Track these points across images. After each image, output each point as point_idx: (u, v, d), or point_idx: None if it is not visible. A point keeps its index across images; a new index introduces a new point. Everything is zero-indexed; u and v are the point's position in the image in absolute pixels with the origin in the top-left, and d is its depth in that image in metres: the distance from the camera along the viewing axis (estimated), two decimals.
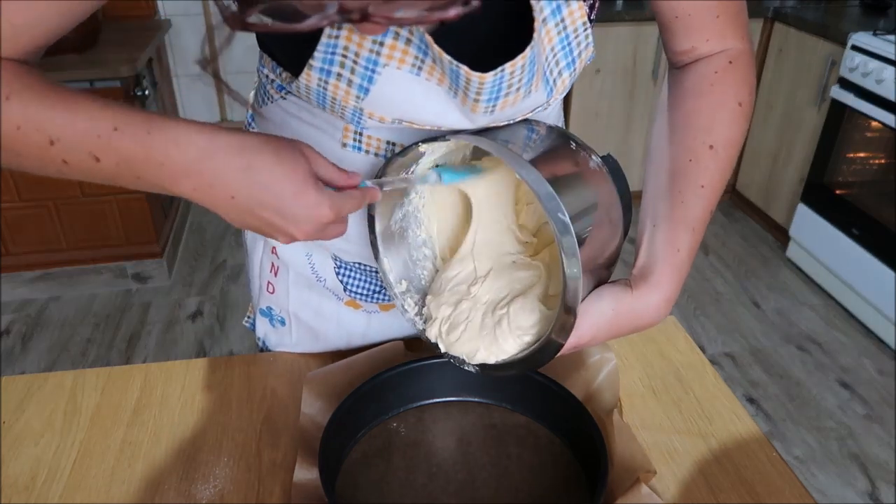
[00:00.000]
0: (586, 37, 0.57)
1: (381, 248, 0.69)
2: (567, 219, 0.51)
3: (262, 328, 0.89)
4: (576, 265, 0.52)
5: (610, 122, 2.94)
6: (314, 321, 0.85)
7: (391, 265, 0.70)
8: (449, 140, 0.58)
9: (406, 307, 0.71)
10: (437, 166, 0.65)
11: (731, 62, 0.65)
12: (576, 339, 0.57)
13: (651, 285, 0.58)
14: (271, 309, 0.86)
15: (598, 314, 0.57)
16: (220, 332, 2.36)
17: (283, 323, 0.86)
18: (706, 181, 0.61)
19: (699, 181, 0.61)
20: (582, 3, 0.54)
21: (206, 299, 2.52)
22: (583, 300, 0.56)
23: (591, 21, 0.61)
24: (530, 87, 0.56)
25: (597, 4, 0.61)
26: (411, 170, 0.65)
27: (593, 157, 0.60)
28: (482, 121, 0.60)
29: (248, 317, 0.94)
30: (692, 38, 0.65)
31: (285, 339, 0.87)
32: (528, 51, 0.53)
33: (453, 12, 0.34)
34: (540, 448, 0.71)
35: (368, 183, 0.61)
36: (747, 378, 2.19)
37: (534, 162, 0.54)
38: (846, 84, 2.35)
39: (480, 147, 0.57)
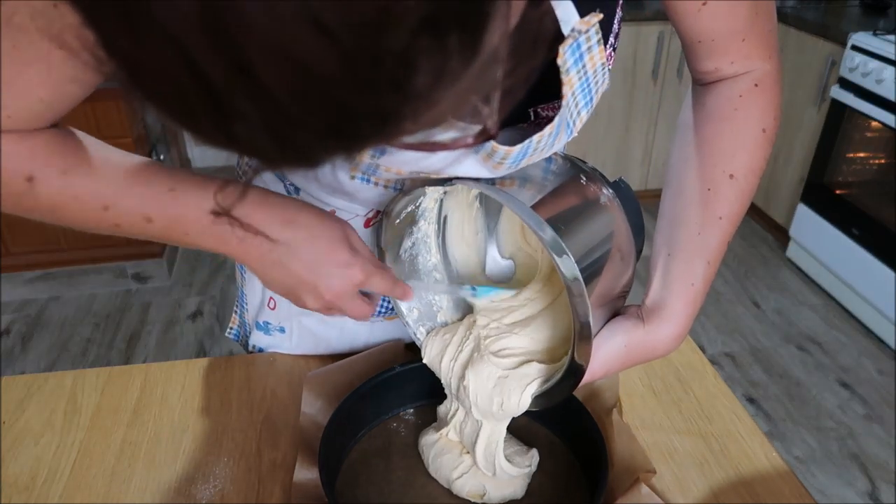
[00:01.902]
0: (604, 74, 0.55)
1: None
2: (579, 274, 0.51)
3: (260, 340, 0.88)
4: (587, 319, 0.52)
5: (610, 122, 2.94)
6: (317, 327, 0.85)
7: None
8: (455, 185, 0.57)
9: (418, 335, 0.70)
10: (472, 288, 0.66)
11: (756, 85, 0.61)
12: (589, 377, 0.56)
13: (663, 320, 0.58)
14: (268, 323, 0.86)
15: (610, 351, 0.57)
16: (220, 332, 2.36)
17: (282, 331, 0.86)
18: (724, 212, 0.59)
19: (717, 212, 0.59)
20: (602, 46, 0.52)
21: (206, 299, 2.52)
22: (595, 335, 0.56)
23: (614, 49, 0.59)
24: (554, 143, 0.55)
25: (619, 31, 0.59)
26: (418, 203, 0.64)
27: (604, 190, 0.58)
28: (503, 174, 0.58)
29: (231, 328, 0.93)
30: (716, 60, 0.61)
31: (285, 344, 0.87)
32: (556, 119, 0.52)
33: (471, 141, 0.35)
34: (540, 448, 0.71)
35: (406, 282, 0.64)
36: (747, 378, 2.19)
37: (542, 208, 0.53)
38: (846, 84, 2.35)
39: (487, 194, 0.55)
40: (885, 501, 1.79)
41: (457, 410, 0.68)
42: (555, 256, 0.51)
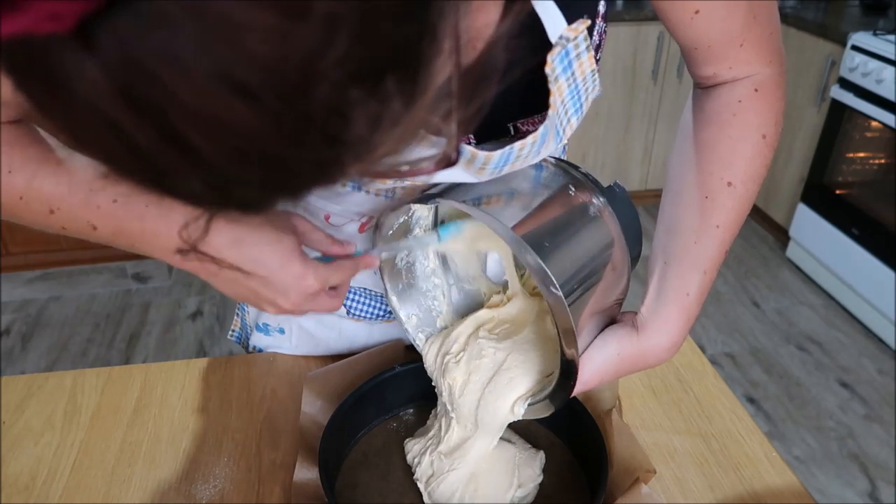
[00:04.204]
0: (594, 81, 0.54)
1: (388, 286, 0.69)
2: (561, 294, 0.50)
3: (260, 340, 0.88)
4: (573, 346, 0.51)
5: (610, 122, 2.94)
6: (315, 329, 0.85)
7: (401, 302, 0.70)
8: (438, 202, 0.56)
9: (418, 341, 0.70)
10: (440, 223, 0.64)
11: (756, 89, 0.60)
12: (581, 386, 0.56)
13: (657, 330, 0.57)
14: (268, 325, 0.86)
15: (603, 360, 0.56)
16: (220, 332, 2.36)
17: (281, 332, 0.86)
18: (721, 220, 0.58)
19: (714, 221, 0.58)
20: (591, 53, 0.51)
21: (205, 299, 2.52)
22: (588, 345, 0.56)
23: (597, 61, 0.58)
24: (540, 150, 0.54)
25: (603, 43, 0.59)
26: (410, 213, 0.64)
27: (595, 200, 0.57)
28: (487, 178, 0.57)
29: (233, 331, 0.93)
30: (713, 66, 0.59)
31: (284, 344, 0.87)
32: (540, 128, 0.51)
33: (431, 169, 0.34)
34: (540, 448, 0.71)
35: (367, 251, 0.62)
36: (747, 378, 2.19)
37: (528, 225, 0.51)
38: (846, 84, 2.35)
39: (470, 214, 0.54)
40: (885, 501, 1.79)
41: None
42: (538, 280, 0.50)
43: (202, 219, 0.31)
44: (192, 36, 0.20)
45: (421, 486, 0.66)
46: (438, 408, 0.70)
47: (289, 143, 0.23)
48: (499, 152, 0.50)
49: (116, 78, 0.20)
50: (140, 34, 0.20)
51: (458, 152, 0.32)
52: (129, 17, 0.19)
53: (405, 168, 0.32)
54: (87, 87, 0.21)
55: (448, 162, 0.32)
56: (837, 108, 2.42)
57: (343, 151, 0.24)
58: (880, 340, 2.33)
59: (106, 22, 0.19)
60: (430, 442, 0.68)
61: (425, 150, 0.31)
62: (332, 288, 0.61)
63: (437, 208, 0.67)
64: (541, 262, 0.49)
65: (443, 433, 0.67)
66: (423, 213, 0.65)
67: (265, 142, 0.23)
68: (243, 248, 0.55)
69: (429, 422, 0.72)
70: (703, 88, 0.64)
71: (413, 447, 0.69)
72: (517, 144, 0.50)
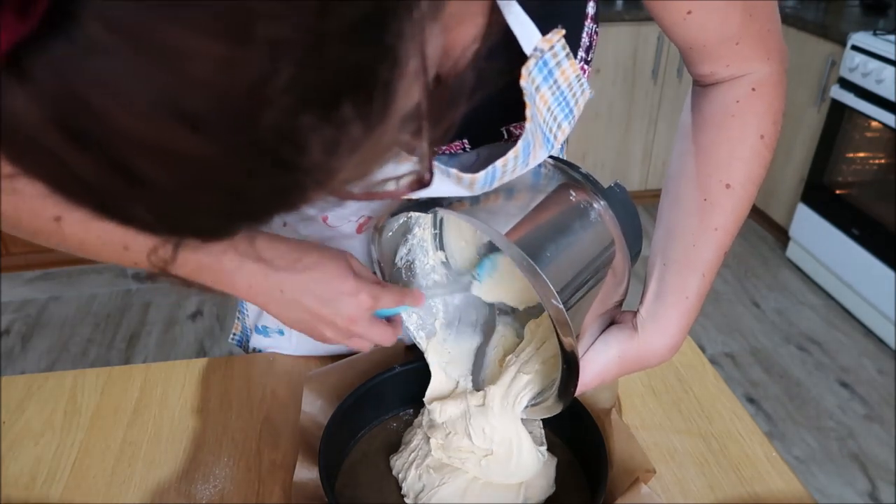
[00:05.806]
0: (581, 86, 0.54)
1: None
2: (560, 305, 0.50)
3: (260, 342, 0.88)
4: (569, 334, 0.52)
5: (610, 122, 2.94)
6: None
7: None
8: (436, 210, 0.57)
9: (418, 339, 0.70)
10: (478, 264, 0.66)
11: (754, 89, 0.59)
12: (583, 387, 0.57)
13: (656, 332, 0.58)
14: (267, 327, 0.86)
15: (604, 362, 0.57)
16: (220, 332, 2.36)
17: (281, 333, 0.86)
18: (720, 223, 0.58)
19: (712, 223, 0.58)
20: (572, 59, 0.51)
21: (206, 299, 2.52)
22: (589, 347, 0.57)
23: (588, 63, 0.58)
24: (528, 161, 0.54)
25: (594, 44, 0.59)
26: (409, 216, 0.64)
27: (595, 204, 0.56)
28: (480, 192, 0.57)
29: (234, 334, 0.93)
30: (710, 65, 0.59)
31: (283, 345, 0.87)
32: (519, 143, 0.50)
33: (405, 191, 0.33)
34: None
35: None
36: (747, 378, 2.19)
37: (525, 231, 0.51)
38: (846, 84, 2.35)
39: (468, 224, 0.54)
40: (885, 501, 1.79)
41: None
42: (539, 292, 0.50)
43: (170, 243, 0.31)
44: (130, 64, 0.19)
45: (410, 501, 0.66)
46: (422, 415, 0.70)
47: (240, 171, 0.22)
48: (482, 173, 0.50)
49: (53, 108, 0.19)
50: (75, 63, 0.19)
51: (431, 173, 0.31)
52: (64, 44, 0.18)
53: (380, 189, 0.31)
54: (20, 118, 0.20)
55: (421, 183, 0.31)
56: (837, 108, 2.42)
57: (301, 178, 0.24)
58: (880, 340, 2.33)
59: (39, 49, 0.18)
60: (413, 454, 0.67)
61: (402, 167, 0.31)
62: (388, 320, 0.65)
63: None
64: (538, 268, 0.49)
65: (432, 447, 0.66)
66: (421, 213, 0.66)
67: (216, 170, 0.22)
68: (304, 267, 0.60)
69: (406, 436, 0.71)
70: (702, 86, 0.63)
71: (396, 462, 0.69)
72: (499, 162, 0.50)
